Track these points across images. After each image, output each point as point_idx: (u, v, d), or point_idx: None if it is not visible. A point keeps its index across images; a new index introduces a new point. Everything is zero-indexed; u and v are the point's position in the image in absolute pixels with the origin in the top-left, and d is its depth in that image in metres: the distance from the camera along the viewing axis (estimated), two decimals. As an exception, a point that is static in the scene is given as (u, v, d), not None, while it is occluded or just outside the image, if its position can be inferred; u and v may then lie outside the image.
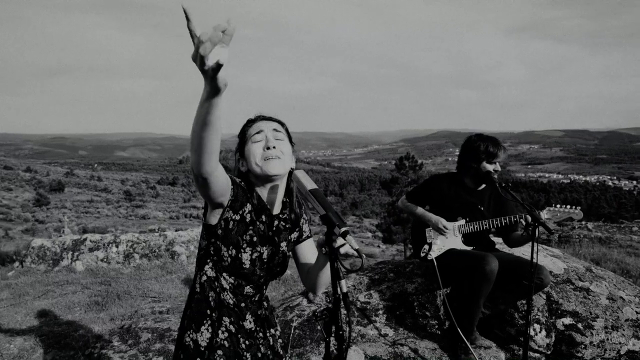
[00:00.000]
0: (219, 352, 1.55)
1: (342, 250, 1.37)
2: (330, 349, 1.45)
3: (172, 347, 3.68)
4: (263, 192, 1.60)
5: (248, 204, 1.55)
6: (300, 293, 3.89)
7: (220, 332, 1.57)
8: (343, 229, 1.32)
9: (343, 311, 1.39)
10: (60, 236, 7.95)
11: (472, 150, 3.17)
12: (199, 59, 1.03)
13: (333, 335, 1.41)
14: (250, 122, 1.61)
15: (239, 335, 1.59)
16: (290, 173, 1.61)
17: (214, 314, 1.56)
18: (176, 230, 8.07)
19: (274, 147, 1.53)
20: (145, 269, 6.83)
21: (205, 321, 1.56)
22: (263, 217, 1.59)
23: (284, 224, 1.66)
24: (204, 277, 1.58)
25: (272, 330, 1.72)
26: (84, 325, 4.57)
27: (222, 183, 1.39)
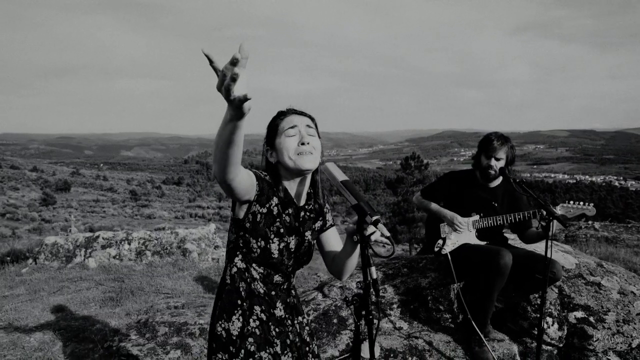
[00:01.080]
0: (250, 339, 1.60)
1: (373, 238, 1.43)
2: (361, 332, 1.51)
3: (189, 341, 3.76)
4: (291, 184, 1.66)
5: (275, 198, 1.61)
6: (315, 288, 3.96)
7: (251, 320, 1.62)
8: (375, 218, 1.38)
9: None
10: (72, 234, 8.06)
11: (478, 145, 3.27)
12: (224, 91, 1.12)
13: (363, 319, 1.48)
14: (282, 115, 1.66)
15: (270, 323, 1.65)
16: None
17: (245, 304, 1.62)
18: (187, 228, 8.16)
19: (307, 143, 1.58)
20: (157, 266, 6.92)
21: (236, 311, 1.62)
22: (289, 209, 1.65)
23: (309, 214, 1.73)
24: (234, 269, 1.64)
25: (300, 318, 1.78)
26: (101, 319, 4.65)
27: (245, 184, 1.47)
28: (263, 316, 1.64)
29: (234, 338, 1.60)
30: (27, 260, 7.47)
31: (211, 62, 1.10)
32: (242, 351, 1.58)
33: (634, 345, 3.06)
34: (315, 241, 1.79)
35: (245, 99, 1.12)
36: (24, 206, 47.65)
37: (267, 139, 1.67)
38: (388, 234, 1.38)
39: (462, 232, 3.27)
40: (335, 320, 3.43)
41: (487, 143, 3.17)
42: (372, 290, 1.43)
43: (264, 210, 1.59)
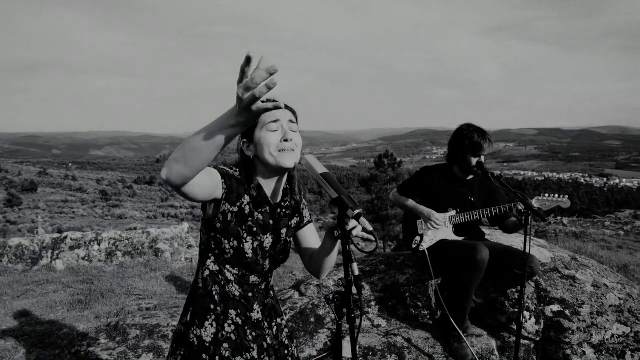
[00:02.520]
0: (225, 345, 1.52)
1: (355, 233, 1.37)
2: (342, 331, 1.45)
3: (162, 343, 3.63)
4: (268, 181, 1.57)
5: (246, 196, 1.52)
6: (292, 286, 3.89)
7: (226, 325, 1.54)
8: (357, 211, 1.32)
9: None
10: (39, 235, 7.74)
11: (460, 141, 3.20)
12: (248, 99, 1.07)
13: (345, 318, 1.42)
14: None
15: (246, 327, 1.57)
16: None
17: (218, 308, 1.54)
18: (159, 228, 7.95)
19: (290, 140, 1.49)
20: (129, 267, 6.71)
21: (209, 316, 1.53)
22: (264, 207, 1.57)
23: (285, 211, 1.64)
24: (207, 272, 1.55)
25: (279, 320, 1.70)
26: (68, 324, 4.46)
27: (206, 185, 1.36)
28: (239, 320, 1.56)
29: (207, 345, 1.51)
30: (-10, 264, 7.15)
31: (248, 66, 1.04)
32: (217, 358, 1.50)
33: (607, 337, 3.10)
34: (291, 239, 1.71)
35: (276, 107, 1.11)
36: (-12, 207, 45.86)
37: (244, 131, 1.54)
38: (371, 229, 1.32)
39: (439, 229, 3.25)
40: (312, 319, 3.37)
41: (476, 145, 3.11)
42: (354, 287, 1.37)
43: (235, 209, 1.50)
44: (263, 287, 1.64)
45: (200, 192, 1.34)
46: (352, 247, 1.39)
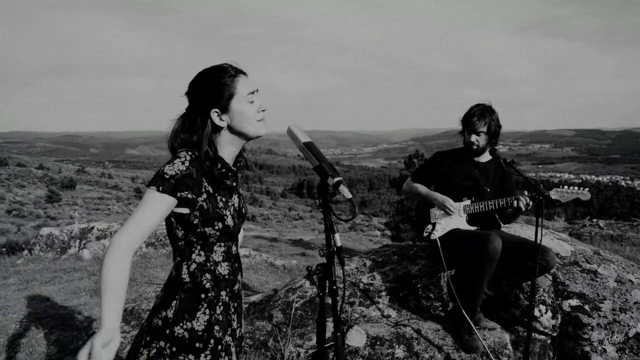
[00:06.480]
0: (216, 327, 1.53)
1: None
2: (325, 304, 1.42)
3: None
4: (231, 148, 1.56)
5: (203, 179, 1.49)
6: (304, 276, 3.87)
7: (217, 308, 1.54)
8: (336, 179, 1.29)
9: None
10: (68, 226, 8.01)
11: (461, 121, 3.19)
12: None
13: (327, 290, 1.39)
14: (230, 74, 1.50)
15: (230, 302, 1.58)
16: None
17: (210, 294, 1.53)
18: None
19: (265, 110, 1.53)
20: (152, 257, 6.86)
21: (200, 306, 1.51)
22: (227, 174, 1.56)
23: (238, 169, 1.67)
24: (193, 265, 1.52)
25: (239, 277, 1.69)
26: (89, 308, 4.59)
27: (158, 222, 1.43)
28: (227, 298, 1.57)
29: (200, 333, 1.49)
30: (23, 252, 7.44)
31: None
32: (211, 341, 1.50)
33: (630, 335, 2.94)
34: None
35: None
36: (30, 203, 47.88)
37: (215, 100, 1.49)
38: (350, 196, 1.28)
39: (452, 217, 3.16)
40: (314, 281, 3.34)
41: (467, 119, 3.10)
42: (336, 259, 1.34)
43: (204, 197, 1.48)
44: (235, 250, 1.64)
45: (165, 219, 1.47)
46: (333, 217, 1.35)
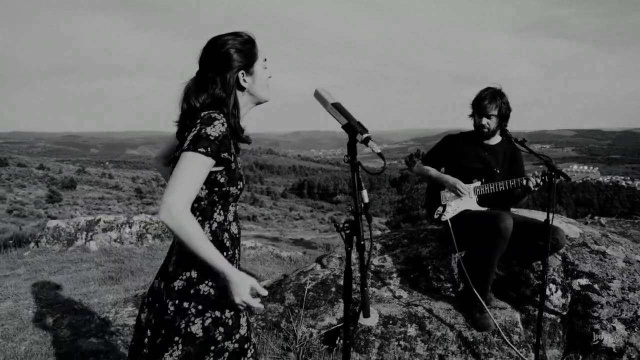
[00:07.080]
0: None
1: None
2: (352, 262, 1.46)
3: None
4: (244, 111, 1.63)
5: (231, 139, 1.55)
6: (315, 260, 3.92)
7: (234, 265, 1.61)
8: (365, 135, 1.33)
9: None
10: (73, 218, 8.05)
11: (471, 104, 3.24)
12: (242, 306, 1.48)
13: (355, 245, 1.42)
14: (254, 40, 1.61)
15: (239, 262, 1.67)
16: None
17: (229, 252, 1.58)
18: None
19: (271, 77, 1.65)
20: (158, 249, 6.89)
21: None
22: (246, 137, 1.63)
23: None
24: (215, 224, 1.55)
25: None
26: (99, 295, 4.63)
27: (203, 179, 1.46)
28: (237, 256, 1.64)
29: (224, 290, 1.52)
30: (29, 244, 7.47)
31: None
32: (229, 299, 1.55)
33: (639, 313, 2.98)
34: None
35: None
36: (31, 203, 47.93)
37: (243, 63, 1.56)
38: (379, 150, 1.32)
39: (463, 199, 3.20)
40: (333, 289, 3.38)
41: (478, 102, 3.15)
42: (363, 215, 1.38)
43: (233, 157, 1.52)
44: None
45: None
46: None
